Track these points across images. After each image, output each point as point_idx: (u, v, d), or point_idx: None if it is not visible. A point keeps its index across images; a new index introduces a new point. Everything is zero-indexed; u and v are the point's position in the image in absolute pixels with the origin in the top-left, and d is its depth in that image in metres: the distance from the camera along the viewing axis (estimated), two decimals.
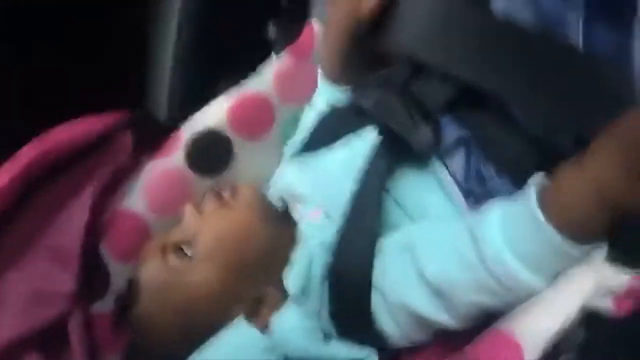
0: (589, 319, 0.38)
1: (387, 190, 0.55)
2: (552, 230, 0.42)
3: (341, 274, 0.52)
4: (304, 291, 0.53)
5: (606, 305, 0.39)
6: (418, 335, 0.51)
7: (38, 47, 0.84)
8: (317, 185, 0.59)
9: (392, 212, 0.54)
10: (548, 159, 0.47)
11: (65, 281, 0.61)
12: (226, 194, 0.60)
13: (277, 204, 0.62)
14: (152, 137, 0.67)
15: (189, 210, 0.60)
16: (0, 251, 0.58)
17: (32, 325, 0.58)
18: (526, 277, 0.43)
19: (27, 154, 0.59)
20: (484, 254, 0.45)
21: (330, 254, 0.53)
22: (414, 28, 0.57)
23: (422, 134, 0.55)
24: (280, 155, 0.68)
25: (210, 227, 0.58)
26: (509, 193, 0.50)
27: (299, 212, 0.59)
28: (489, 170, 0.53)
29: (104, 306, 0.63)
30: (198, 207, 0.60)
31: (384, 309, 0.51)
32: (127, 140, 0.64)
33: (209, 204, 0.60)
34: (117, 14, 0.83)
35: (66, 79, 0.79)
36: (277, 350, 0.53)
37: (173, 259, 0.57)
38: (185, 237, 0.58)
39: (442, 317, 0.48)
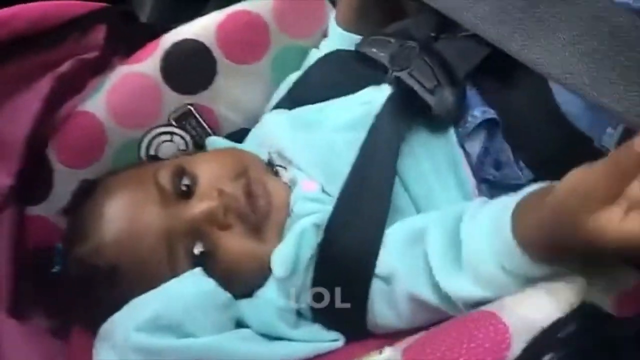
0: (586, 316, 0.34)
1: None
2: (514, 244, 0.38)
3: (335, 260, 0.47)
4: (289, 272, 0.48)
5: (607, 303, 0.35)
6: (417, 320, 0.46)
7: None
8: (314, 151, 0.52)
9: (397, 193, 0.48)
10: (578, 152, 0.40)
11: (2, 175, 0.55)
12: (257, 214, 0.50)
13: (263, 157, 0.56)
14: (130, 38, 0.60)
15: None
16: None
17: None
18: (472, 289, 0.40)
19: None
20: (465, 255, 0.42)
21: (324, 236, 0.47)
22: None
23: (445, 97, 0.49)
24: (267, 88, 0.62)
25: (231, 249, 0.50)
26: (526, 182, 0.45)
27: (288, 175, 0.53)
28: (507, 156, 0.48)
29: (42, 210, 0.58)
30: (222, 219, 0.49)
31: (385, 297, 0.46)
32: (100, 33, 0.58)
33: (238, 228, 0.50)
34: None
35: None
36: (234, 311, 0.49)
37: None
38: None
39: (447, 307, 0.43)
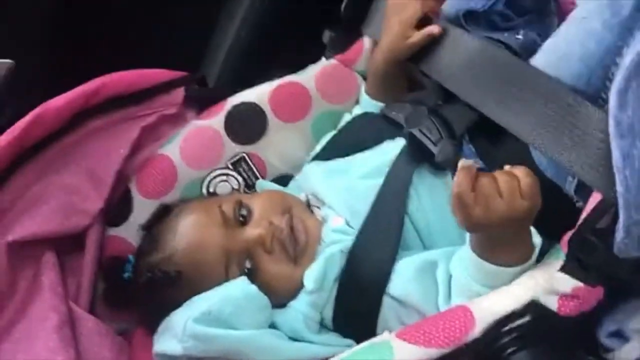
0: (536, 312, 0.44)
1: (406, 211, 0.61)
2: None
3: (355, 280, 0.59)
4: (318, 287, 0.59)
5: (552, 303, 0.45)
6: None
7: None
8: (341, 194, 0.65)
9: (405, 226, 0.61)
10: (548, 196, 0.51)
11: (94, 200, 0.69)
12: (297, 245, 0.62)
13: (302, 198, 0.69)
14: (202, 99, 0.75)
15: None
16: (49, 160, 0.67)
17: (57, 228, 0.66)
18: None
19: (91, 84, 0.68)
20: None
21: (347, 260, 0.60)
22: (453, 63, 0.63)
23: (446, 147, 0.61)
24: (308, 144, 0.76)
25: (270, 270, 0.62)
26: None
27: (321, 213, 0.66)
28: None
29: (121, 231, 0.71)
30: (269, 245, 0.61)
31: (395, 312, 0.57)
32: (179, 95, 0.73)
33: (279, 253, 0.62)
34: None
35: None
36: (270, 314, 0.60)
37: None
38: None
39: None
